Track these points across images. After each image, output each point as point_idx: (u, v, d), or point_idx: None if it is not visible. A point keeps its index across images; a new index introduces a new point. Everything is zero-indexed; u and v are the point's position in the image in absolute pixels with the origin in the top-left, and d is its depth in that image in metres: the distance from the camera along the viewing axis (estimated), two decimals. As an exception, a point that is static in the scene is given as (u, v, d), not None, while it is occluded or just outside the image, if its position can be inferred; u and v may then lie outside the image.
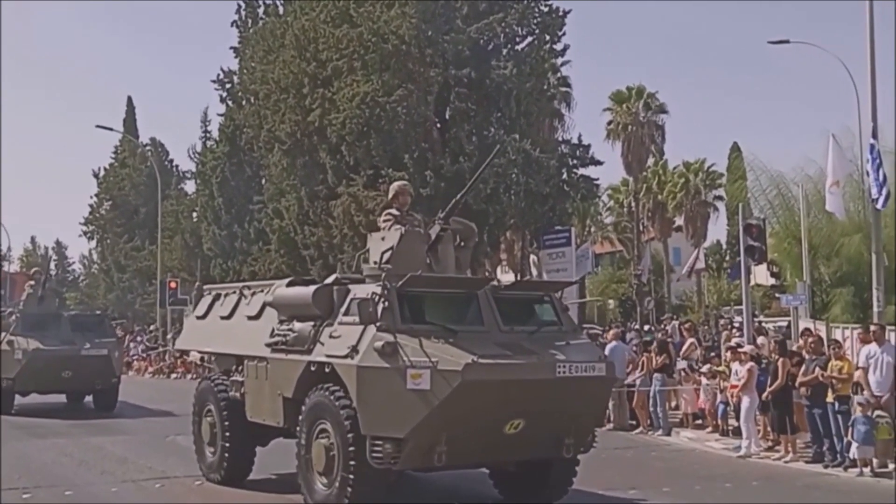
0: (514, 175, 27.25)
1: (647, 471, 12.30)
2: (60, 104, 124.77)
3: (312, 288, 9.09)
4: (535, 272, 40.85)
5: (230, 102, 39.09)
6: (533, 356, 8.14)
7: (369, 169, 28.31)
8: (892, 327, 14.23)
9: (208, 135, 46.20)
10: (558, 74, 34.03)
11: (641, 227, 46.45)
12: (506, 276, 54.96)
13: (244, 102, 36.84)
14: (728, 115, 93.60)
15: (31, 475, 11.24)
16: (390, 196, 9.99)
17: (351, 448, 8.12)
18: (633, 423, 16.44)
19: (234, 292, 11.00)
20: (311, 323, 8.95)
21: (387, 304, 8.24)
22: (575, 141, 31.78)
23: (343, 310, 8.75)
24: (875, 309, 15.13)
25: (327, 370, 8.54)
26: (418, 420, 7.77)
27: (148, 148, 53.70)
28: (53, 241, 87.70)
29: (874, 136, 15.48)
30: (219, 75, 39.02)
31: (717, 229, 50.23)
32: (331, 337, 8.68)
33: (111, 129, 45.68)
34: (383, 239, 9.35)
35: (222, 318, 10.89)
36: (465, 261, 9.75)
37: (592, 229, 50.80)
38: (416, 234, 9.28)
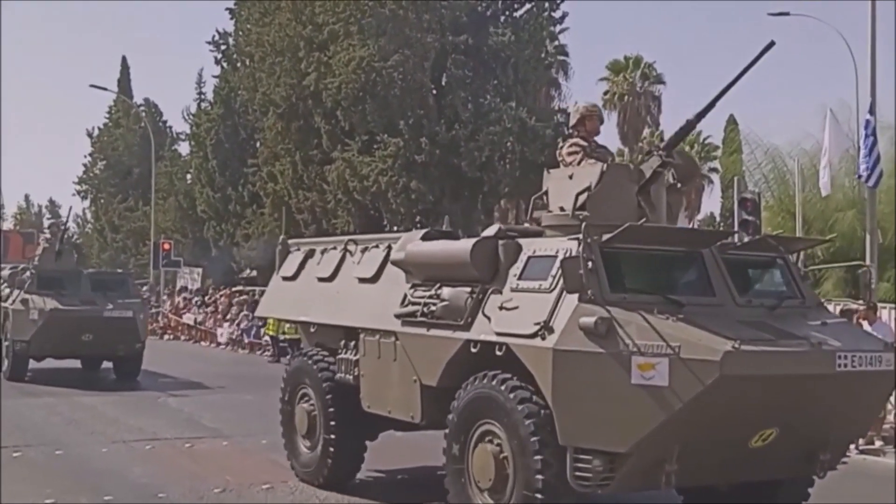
0: (509, 143, 27.15)
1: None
2: (55, 63, 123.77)
3: (470, 242, 7.00)
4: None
5: (225, 64, 38.81)
6: (801, 342, 6.01)
7: (364, 134, 28.19)
8: (885, 305, 14.27)
9: (203, 96, 45.93)
10: (556, 42, 33.82)
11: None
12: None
13: (239, 65, 36.58)
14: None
15: (22, 434, 11.27)
16: (573, 121, 7.76)
17: (538, 460, 6.08)
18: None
19: (335, 247, 8.90)
20: (468, 289, 6.85)
21: (590, 264, 6.11)
22: (571, 110, 31.61)
23: (517, 271, 6.67)
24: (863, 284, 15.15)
25: (499, 352, 6.46)
26: (649, 429, 5.72)
27: (142, 108, 53.32)
28: (47, 199, 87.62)
29: (871, 111, 15.44)
30: (214, 37, 38.71)
31: (712, 202, 50.30)
32: (501, 308, 6.58)
33: (105, 89, 45.26)
34: (571, 177, 7.01)
35: (321, 279, 8.79)
36: (677, 209, 7.34)
37: (587, 199, 50.74)
38: (625, 171, 7.01)
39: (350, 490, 8.46)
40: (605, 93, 44.11)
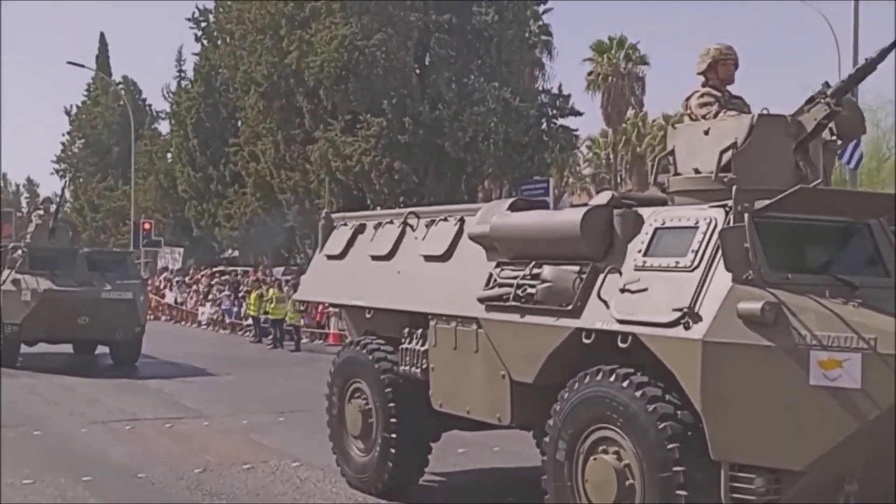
0: (492, 124, 27.05)
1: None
2: (32, 39, 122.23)
3: (578, 213, 5.83)
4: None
5: (205, 42, 38.43)
6: None
7: (347, 114, 28.01)
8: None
9: (183, 74, 45.56)
10: (540, 22, 33.68)
11: (619, 180, 46.51)
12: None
13: (220, 42, 36.24)
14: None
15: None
16: (702, 67, 6.29)
17: (678, 472, 4.99)
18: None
19: (391, 221, 7.78)
20: (575, 268, 5.76)
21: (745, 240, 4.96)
22: (555, 91, 31.55)
23: (642, 246, 5.48)
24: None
25: (623, 344, 5.34)
26: (833, 442, 4.63)
27: (121, 86, 52.80)
28: (24, 178, 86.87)
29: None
30: (194, 13, 38.30)
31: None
32: (624, 291, 5.41)
33: (83, 66, 44.83)
34: (707, 132, 5.74)
35: (376, 258, 7.72)
36: (830, 171, 6.14)
37: (570, 180, 50.84)
38: (780, 123, 5.58)
39: (411, 497, 7.52)
40: (589, 73, 44.07)
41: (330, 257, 8.42)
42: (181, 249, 39.53)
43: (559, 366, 5.84)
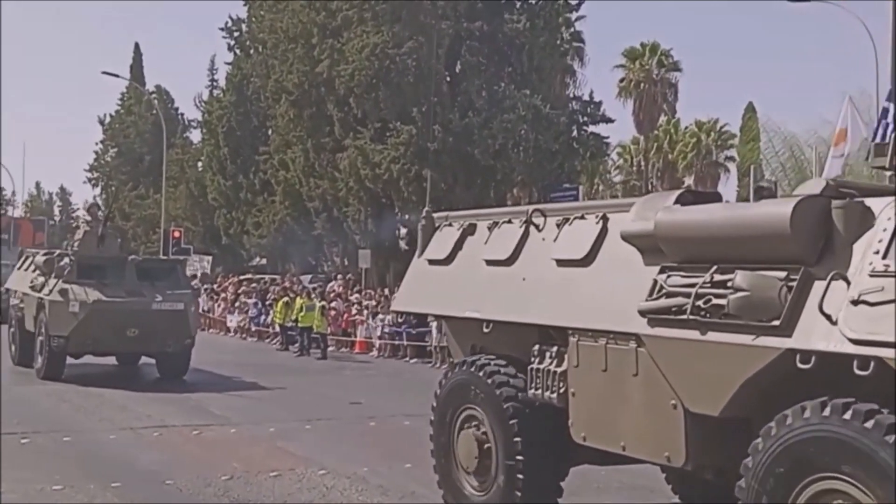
0: (522, 131, 26.99)
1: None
2: (67, 49, 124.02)
3: (787, 205, 4.67)
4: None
5: (238, 51, 38.77)
6: None
7: (377, 122, 28.06)
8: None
9: (215, 83, 45.93)
10: (572, 29, 33.60)
11: (650, 187, 46.17)
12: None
13: (252, 51, 36.53)
14: (744, 75, 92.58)
15: (31, 420, 11.20)
16: None
17: None
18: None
19: (509, 220, 6.70)
20: (780, 274, 4.67)
21: None
22: (586, 98, 31.44)
23: (880, 246, 4.36)
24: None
25: (862, 371, 4.19)
26: None
27: (154, 96, 53.34)
28: (58, 186, 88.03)
29: (889, 98, 15.19)
30: (227, 23, 38.66)
31: (728, 190, 49.85)
32: (858, 302, 4.29)
33: (117, 76, 45.22)
34: None
35: (493, 262, 6.65)
36: None
37: (601, 188, 50.56)
38: None
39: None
40: (621, 80, 43.87)
41: (433, 262, 7.36)
42: (210, 257, 39.77)
43: (756, 394, 4.74)
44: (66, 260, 15.50)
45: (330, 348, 21.84)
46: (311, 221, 32.09)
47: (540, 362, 6.20)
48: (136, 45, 59.16)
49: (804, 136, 23.21)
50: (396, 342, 21.19)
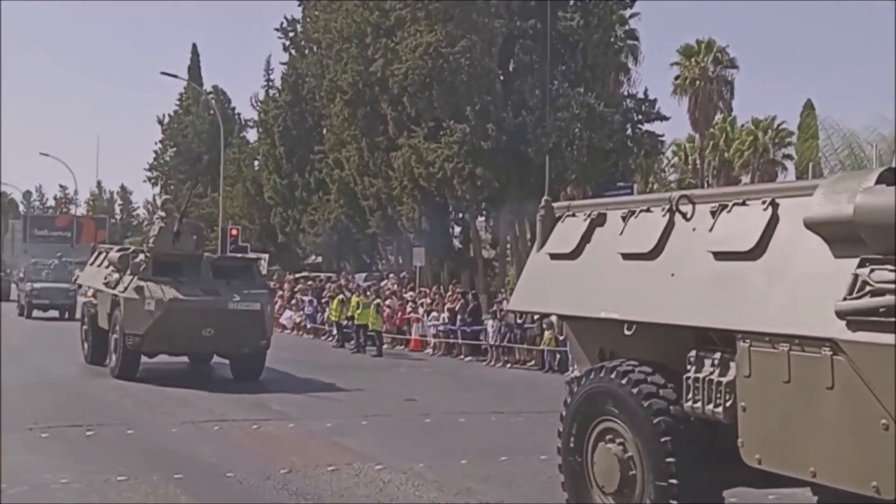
0: (576, 130, 26.86)
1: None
2: (127, 51, 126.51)
3: None
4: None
5: (293, 51, 39.23)
6: None
7: (430, 121, 28.17)
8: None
9: (271, 83, 46.54)
10: (626, 27, 33.32)
11: (706, 185, 45.56)
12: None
13: (307, 51, 36.94)
14: (802, 72, 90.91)
15: (95, 414, 11.48)
16: None
17: None
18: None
19: (648, 209, 6.01)
20: None
21: None
22: (641, 95, 31.16)
23: None
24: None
25: None
26: None
27: (211, 96, 54.19)
28: (119, 185, 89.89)
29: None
30: (282, 24, 39.17)
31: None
32: None
33: (176, 77, 46.07)
34: None
35: (631, 256, 5.97)
36: None
37: (655, 186, 50.05)
38: None
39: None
40: (676, 78, 43.32)
41: (555, 257, 6.65)
42: (266, 255, 40.31)
43: None
44: (142, 256, 15.17)
45: (385, 346, 22.00)
46: (365, 220, 32.36)
47: (698, 370, 5.40)
48: (194, 46, 60.31)
49: (864, 133, 22.72)
50: (451, 340, 21.27)
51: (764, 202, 5.19)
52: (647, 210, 6.02)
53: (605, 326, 6.11)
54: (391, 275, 29.76)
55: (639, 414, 5.57)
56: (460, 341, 20.93)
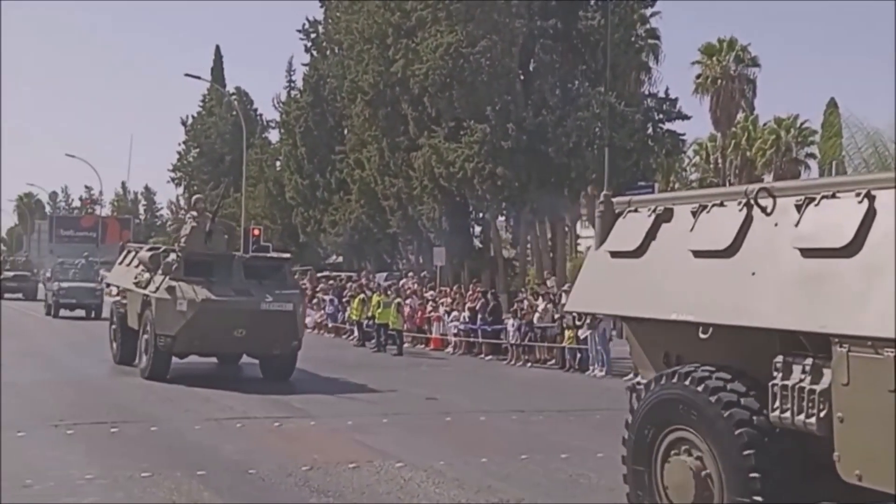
0: (597, 129, 26.83)
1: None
2: (151, 53, 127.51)
3: None
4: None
5: (315, 52, 39.44)
6: None
7: (451, 121, 28.23)
8: None
9: (293, 84, 46.76)
10: (647, 26, 33.22)
11: (728, 185, 45.35)
12: (587, 232, 54.39)
13: (328, 52, 37.13)
14: (825, 70, 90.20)
15: (119, 411, 11.59)
16: None
17: None
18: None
19: (721, 203, 5.63)
20: None
21: None
22: (662, 95, 31.09)
23: None
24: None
25: None
26: None
27: (234, 97, 54.53)
28: (143, 186, 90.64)
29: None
30: (304, 25, 39.41)
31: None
32: None
33: (199, 78, 46.36)
34: None
35: (704, 253, 5.58)
36: None
37: (677, 185, 49.87)
38: None
39: None
40: (698, 76, 43.16)
41: (617, 255, 6.30)
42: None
43: None
44: (173, 256, 14.84)
45: (406, 345, 22.05)
46: (386, 219, 32.45)
47: (786, 377, 4.98)
48: (217, 48, 60.72)
49: (889, 132, 22.51)
50: (472, 339, 21.30)
51: (858, 194, 4.80)
52: (721, 204, 5.61)
53: (671, 329, 5.76)
54: (408, 274, 29.81)
55: (718, 424, 5.15)
56: (481, 340, 20.95)
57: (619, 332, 15.51)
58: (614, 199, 6.64)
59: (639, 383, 6.12)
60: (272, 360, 15.25)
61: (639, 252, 6.08)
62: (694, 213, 5.78)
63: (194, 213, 16.24)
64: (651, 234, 6.05)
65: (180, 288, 14.16)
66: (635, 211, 6.32)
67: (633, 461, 5.79)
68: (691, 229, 5.73)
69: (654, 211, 6.11)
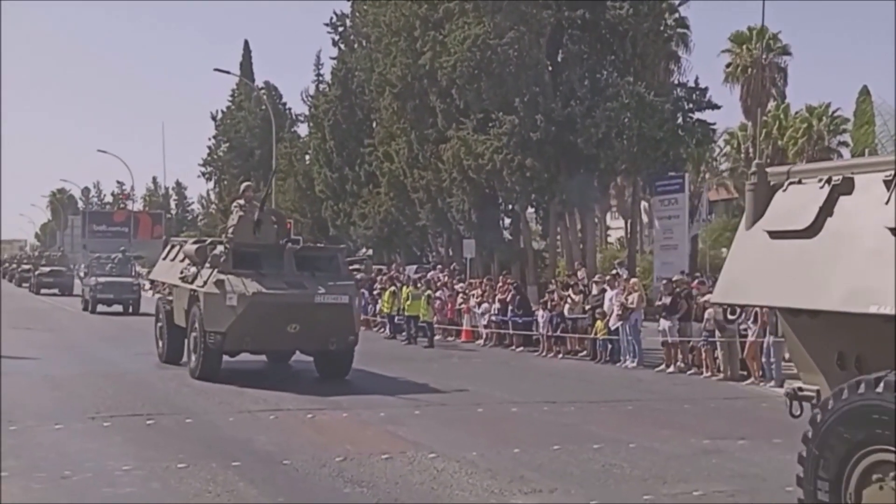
0: (626, 119, 26.69)
1: (758, 422, 12.01)
2: (181, 49, 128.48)
3: None
4: (645, 219, 40.13)
5: (342, 46, 39.53)
6: None
7: (479, 113, 28.20)
8: None
9: (321, 78, 46.94)
10: (676, 15, 32.95)
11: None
12: (616, 223, 54.14)
13: (356, 46, 37.20)
14: (857, 58, 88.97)
15: (155, 403, 11.76)
16: None
17: None
18: (744, 373, 16.07)
19: None
20: None
21: None
22: (691, 84, 30.84)
23: None
24: None
25: None
26: None
27: (263, 91, 54.83)
28: (174, 181, 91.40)
29: None
30: (332, 18, 39.51)
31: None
32: None
33: (228, 73, 46.74)
34: None
35: None
36: None
37: (707, 175, 49.46)
38: None
39: None
40: (728, 65, 42.79)
41: (779, 235, 5.30)
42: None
43: None
44: (221, 248, 14.03)
45: (437, 337, 22.11)
46: (415, 212, 32.49)
47: None
48: (246, 43, 61.12)
49: (922, 119, 22.24)
50: (503, 331, 21.32)
51: None
52: None
53: (849, 324, 4.87)
54: (437, 266, 29.80)
55: None
56: (511, 332, 20.96)
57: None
58: (768, 170, 5.68)
59: (800, 388, 5.36)
60: (328, 356, 14.42)
61: (811, 231, 5.08)
62: (887, 183, 4.77)
63: (241, 202, 15.09)
64: (826, 210, 5.05)
65: (229, 281, 13.39)
66: (799, 182, 5.36)
67: (812, 484, 4.86)
68: (887, 202, 4.73)
69: (827, 182, 5.10)
